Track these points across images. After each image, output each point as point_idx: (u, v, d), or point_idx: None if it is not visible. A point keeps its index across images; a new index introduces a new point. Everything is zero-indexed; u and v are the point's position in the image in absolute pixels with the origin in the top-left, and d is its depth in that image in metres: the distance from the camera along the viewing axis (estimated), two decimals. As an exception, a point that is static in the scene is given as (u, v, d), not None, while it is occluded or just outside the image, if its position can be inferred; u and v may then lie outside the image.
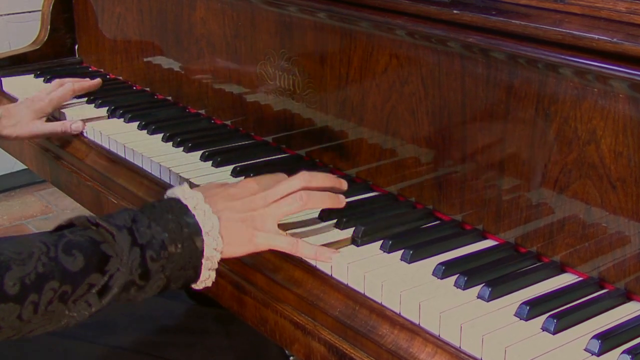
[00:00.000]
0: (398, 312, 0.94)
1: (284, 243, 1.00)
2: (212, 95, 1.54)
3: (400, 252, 1.03)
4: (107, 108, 1.61)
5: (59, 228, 0.92)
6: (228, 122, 1.52)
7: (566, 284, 0.97)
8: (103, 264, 0.87)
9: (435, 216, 1.14)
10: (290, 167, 1.14)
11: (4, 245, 0.84)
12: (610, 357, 0.84)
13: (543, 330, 0.88)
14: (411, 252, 1.01)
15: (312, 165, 1.32)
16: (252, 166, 1.31)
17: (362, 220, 1.10)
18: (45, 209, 3.06)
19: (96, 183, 1.44)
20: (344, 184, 1.09)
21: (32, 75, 1.84)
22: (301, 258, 1.04)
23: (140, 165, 1.38)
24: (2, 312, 0.81)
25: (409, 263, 1.01)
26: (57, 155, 1.57)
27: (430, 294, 0.94)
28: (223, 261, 1.00)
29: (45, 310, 0.84)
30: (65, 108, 1.62)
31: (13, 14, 3.04)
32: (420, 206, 1.16)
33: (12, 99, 1.75)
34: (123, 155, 1.42)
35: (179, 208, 0.95)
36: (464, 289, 0.95)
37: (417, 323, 0.92)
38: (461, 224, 1.11)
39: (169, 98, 1.67)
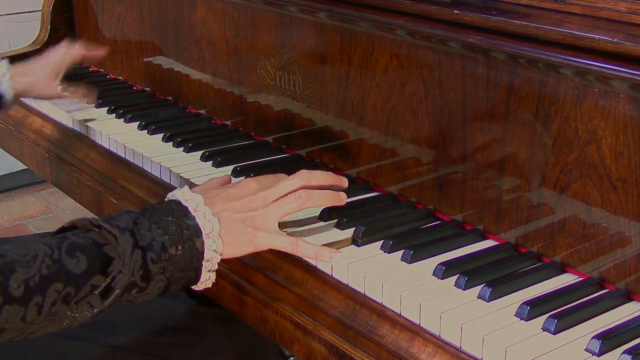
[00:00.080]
0: (398, 312, 0.94)
1: (284, 243, 1.00)
2: (212, 95, 1.54)
3: (401, 252, 1.03)
4: (107, 108, 1.61)
5: (61, 230, 0.92)
6: (228, 122, 1.52)
7: (567, 284, 0.97)
8: (106, 266, 0.88)
9: (435, 216, 1.14)
10: (290, 167, 1.14)
11: (7, 247, 0.84)
12: (610, 357, 0.84)
13: (543, 331, 0.88)
14: (412, 252, 1.01)
15: (313, 165, 1.32)
16: (253, 166, 1.31)
17: (363, 220, 1.10)
18: (46, 209, 3.05)
19: (96, 183, 1.44)
20: (344, 182, 1.09)
21: (32, 75, 1.83)
22: (301, 258, 1.04)
23: (141, 166, 1.38)
24: (6, 314, 0.81)
25: (410, 263, 1.01)
26: (57, 155, 1.57)
27: (431, 294, 0.94)
28: (223, 261, 1.00)
29: (48, 311, 0.84)
30: (64, 109, 1.62)
31: (13, 14, 3.04)
32: (421, 206, 1.16)
33: (12, 99, 1.75)
34: (123, 156, 1.42)
35: (180, 210, 0.95)
36: (464, 289, 0.95)
37: (418, 323, 0.92)
38: (462, 224, 1.11)
39: (169, 98, 1.67)
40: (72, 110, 1.61)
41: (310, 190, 1.03)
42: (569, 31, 0.92)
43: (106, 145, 1.47)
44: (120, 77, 1.81)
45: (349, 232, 1.08)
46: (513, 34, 0.97)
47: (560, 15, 0.95)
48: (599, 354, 0.84)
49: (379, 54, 1.16)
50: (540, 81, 0.97)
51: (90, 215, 1.52)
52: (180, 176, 1.28)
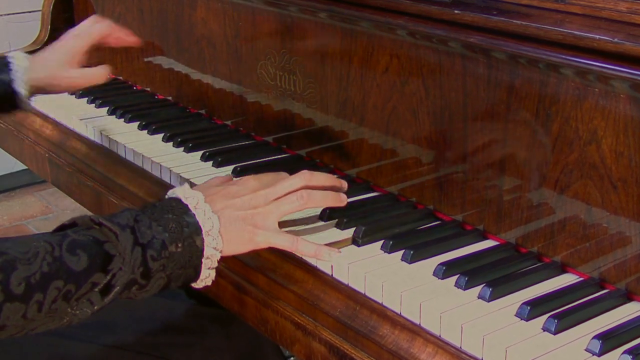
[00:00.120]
0: (399, 312, 0.94)
1: (284, 241, 1.00)
2: (212, 95, 1.54)
3: (401, 252, 1.02)
4: (107, 108, 1.61)
5: (62, 228, 0.92)
6: (228, 122, 1.52)
7: (567, 284, 0.97)
8: (106, 264, 0.88)
9: (436, 216, 1.14)
10: (290, 168, 1.14)
11: (7, 244, 0.84)
12: (611, 358, 0.84)
13: (544, 331, 0.88)
14: (412, 252, 1.01)
15: (313, 165, 1.32)
16: (253, 166, 1.31)
17: (363, 220, 1.10)
18: (46, 210, 3.05)
19: (96, 183, 1.44)
20: (344, 184, 1.09)
21: (33, 75, 1.83)
22: (302, 258, 1.04)
23: (141, 166, 1.38)
24: (7, 312, 0.81)
25: (410, 263, 1.01)
26: (57, 155, 1.57)
27: (431, 294, 0.94)
28: (224, 261, 1.00)
29: (49, 309, 0.84)
30: (65, 109, 1.62)
31: (13, 14, 3.04)
32: (421, 206, 1.16)
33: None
34: (123, 156, 1.42)
35: (180, 208, 0.95)
36: (464, 289, 0.95)
37: (418, 323, 0.92)
38: (462, 224, 1.11)
39: (170, 98, 1.67)
40: (72, 111, 1.61)
41: (311, 190, 1.03)
42: (569, 31, 0.92)
43: (106, 145, 1.47)
44: (121, 77, 1.81)
45: (349, 232, 1.08)
46: (514, 34, 0.97)
47: (560, 15, 0.95)
48: (600, 354, 0.84)
49: (380, 54, 1.16)
50: (540, 81, 0.97)
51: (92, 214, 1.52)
52: (181, 176, 1.28)
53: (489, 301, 0.93)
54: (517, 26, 0.96)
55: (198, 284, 0.97)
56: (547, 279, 0.98)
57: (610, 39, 0.88)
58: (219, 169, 1.32)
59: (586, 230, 0.97)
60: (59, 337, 1.10)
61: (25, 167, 1.74)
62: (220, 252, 0.96)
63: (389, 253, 1.03)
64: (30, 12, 3.02)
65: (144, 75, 1.73)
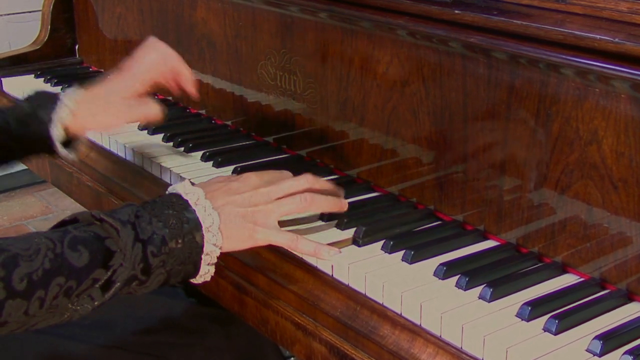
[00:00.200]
0: (399, 312, 0.94)
1: (283, 239, 1.00)
2: (212, 95, 1.54)
3: (402, 252, 1.02)
4: (107, 108, 1.61)
5: (63, 223, 0.92)
6: (229, 123, 1.52)
7: (568, 284, 0.97)
8: (107, 260, 0.88)
9: (436, 217, 1.14)
10: (291, 168, 1.14)
11: (9, 241, 0.84)
12: (612, 358, 0.84)
13: (544, 331, 0.88)
14: (412, 252, 1.01)
15: (313, 165, 1.32)
16: (253, 166, 1.30)
17: (363, 220, 1.10)
18: (46, 210, 3.05)
19: (96, 183, 1.44)
20: (342, 192, 1.10)
21: (33, 75, 1.84)
22: (302, 258, 1.04)
23: (141, 166, 1.38)
24: (9, 308, 0.82)
25: (410, 263, 1.01)
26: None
27: (432, 294, 0.94)
28: (224, 261, 1.00)
29: (50, 305, 0.85)
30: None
31: (13, 14, 3.04)
32: (422, 207, 1.16)
33: (13, 100, 1.75)
34: (123, 156, 1.42)
35: (180, 204, 0.96)
36: (465, 290, 0.95)
37: (419, 324, 0.92)
38: (462, 224, 1.11)
39: (170, 98, 1.67)
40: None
41: (314, 194, 1.03)
42: (570, 31, 0.92)
43: (106, 146, 1.47)
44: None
45: (349, 233, 1.08)
46: (514, 34, 0.97)
47: (561, 15, 0.95)
48: (600, 355, 0.84)
49: (380, 54, 1.16)
50: (541, 81, 0.97)
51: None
52: (181, 176, 1.28)
53: (489, 301, 0.93)
54: (518, 26, 0.96)
55: (197, 280, 0.98)
56: (548, 279, 0.98)
57: (611, 39, 0.88)
58: (219, 169, 1.31)
59: (587, 231, 0.97)
60: (59, 337, 1.10)
61: (25, 167, 1.74)
62: (220, 248, 0.96)
63: (390, 253, 1.03)
64: (30, 12, 3.02)
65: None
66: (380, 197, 1.21)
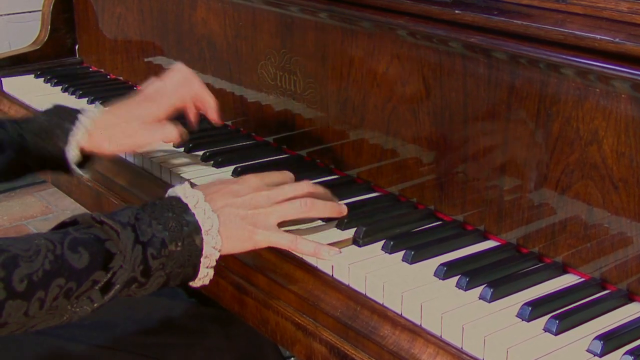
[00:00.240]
0: (399, 312, 0.94)
1: (283, 240, 1.00)
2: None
3: (402, 252, 1.02)
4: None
5: (62, 225, 0.92)
6: (229, 123, 1.52)
7: (568, 284, 0.97)
8: (107, 262, 0.88)
9: (436, 217, 1.14)
10: (291, 168, 1.14)
11: (9, 242, 0.84)
12: (612, 358, 0.84)
13: (545, 331, 0.88)
14: (413, 252, 1.01)
15: (313, 165, 1.32)
16: (253, 167, 1.30)
17: (364, 220, 1.10)
18: (46, 210, 3.05)
19: (96, 183, 1.44)
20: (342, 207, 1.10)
21: (33, 75, 1.84)
22: (302, 258, 1.04)
23: (141, 166, 1.38)
24: (9, 309, 0.82)
25: (411, 264, 1.01)
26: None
27: (432, 294, 0.94)
28: (224, 261, 1.00)
29: (50, 306, 0.85)
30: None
31: (13, 14, 3.04)
32: (422, 207, 1.16)
33: (12, 100, 1.75)
34: (123, 156, 1.42)
35: (180, 207, 0.96)
36: (465, 290, 0.95)
37: (419, 324, 0.92)
38: (463, 224, 1.11)
39: (170, 98, 1.67)
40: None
41: (314, 199, 1.03)
42: (570, 31, 0.92)
43: (106, 146, 1.47)
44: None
45: (350, 233, 1.08)
46: (514, 34, 0.97)
47: (561, 15, 0.95)
48: (601, 355, 0.84)
49: (380, 54, 1.16)
50: (541, 81, 0.97)
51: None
52: (181, 177, 1.28)
53: (490, 302, 0.92)
54: (518, 26, 0.96)
55: (196, 283, 0.98)
56: (548, 280, 0.98)
57: (612, 39, 0.88)
58: (219, 169, 1.31)
59: (587, 231, 0.97)
60: (58, 338, 1.10)
61: (25, 168, 1.74)
62: (219, 251, 0.96)
63: (390, 253, 1.03)
64: (30, 12, 3.02)
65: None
66: (381, 197, 1.21)
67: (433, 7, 1.06)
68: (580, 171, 0.96)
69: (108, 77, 1.84)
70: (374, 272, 0.98)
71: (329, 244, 1.04)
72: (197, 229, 0.95)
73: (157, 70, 1.68)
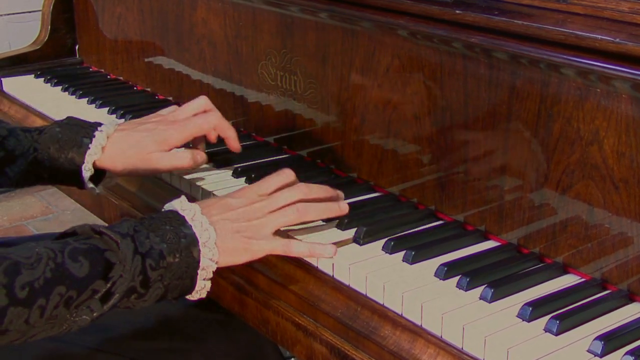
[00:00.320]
0: (400, 313, 0.94)
1: (277, 246, 1.01)
2: (213, 95, 1.54)
3: (402, 253, 1.02)
4: (107, 109, 1.61)
5: (62, 236, 0.93)
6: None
7: (569, 285, 0.97)
8: (107, 271, 0.89)
9: (437, 217, 1.14)
10: (291, 168, 1.14)
11: (10, 249, 0.85)
12: (613, 359, 0.84)
13: (545, 332, 0.87)
14: (413, 253, 1.01)
15: (313, 165, 1.32)
16: (253, 167, 1.30)
17: (364, 221, 1.10)
18: (46, 210, 3.05)
19: (97, 183, 1.43)
20: (341, 195, 1.10)
21: (33, 75, 1.84)
22: (303, 259, 1.04)
23: (141, 166, 1.38)
24: (11, 316, 0.82)
25: (411, 264, 1.01)
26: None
27: (433, 295, 0.94)
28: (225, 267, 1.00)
29: (50, 314, 0.85)
30: (62, 108, 1.61)
31: (13, 14, 3.04)
32: (422, 207, 1.16)
33: (13, 100, 1.75)
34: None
35: (177, 219, 0.97)
36: (466, 290, 0.95)
37: (419, 324, 0.92)
38: (463, 224, 1.11)
39: (170, 98, 1.67)
40: (73, 112, 1.61)
41: (308, 203, 1.04)
42: (571, 31, 0.92)
43: (107, 146, 1.47)
44: (121, 78, 1.81)
45: (350, 233, 1.07)
46: (515, 34, 0.97)
47: (562, 15, 0.95)
48: (601, 355, 0.84)
49: (381, 54, 1.16)
50: (542, 81, 0.97)
51: (90, 216, 1.52)
52: (181, 177, 1.28)
53: (490, 302, 0.92)
54: (519, 26, 0.96)
55: (193, 296, 0.98)
56: (549, 280, 0.98)
57: (612, 39, 0.88)
58: (220, 169, 1.31)
59: (588, 231, 0.97)
60: (56, 342, 1.09)
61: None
62: (216, 263, 0.97)
63: (391, 254, 1.03)
64: (30, 12, 3.02)
65: (145, 76, 1.73)
66: (381, 197, 1.21)
67: (434, 7, 1.06)
68: (581, 171, 0.96)
69: (108, 77, 1.84)
70: (375, 272, 0.98)
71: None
72: (194, 241, 0.95)
73: (158, 70, 1.68)
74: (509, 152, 1.03)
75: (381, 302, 0.96)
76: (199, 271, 0.96)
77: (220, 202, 1.02)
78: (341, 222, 1.09)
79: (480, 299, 0.93)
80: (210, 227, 0.97)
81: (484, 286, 0.94)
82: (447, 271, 0.97)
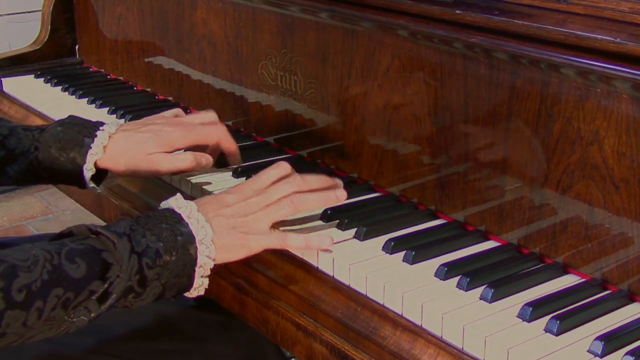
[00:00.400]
0: (400, 313, 0.94)
1: (274, 239, 1.01)
2: (213, 95, 1.54)
3: (403, 253, 1.02)
4: (107, 109, 1.61)
5: (58, 237, 0.93)
6: (229, 123, 1.52)
7: (569, 285, 0.97)
8: (104, 272, 0.89)
9: (437, 217, 1.14)
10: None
11: (6, 252, 0.85)
12: (613, 359, 0.83)
13: (546, 332, 0.87)
14: (413, 253, 1.01)
15: (314, 165, 1.32)
16: (254, 167, 1.30)
17: (364, 221, 1.10)
18: (46, 210, 3.05)
19: (97, 184, 1.43)
20: (339, 183, 1.09)
21: (33, 75, 1.84)
22: (303, 259, 1.04)
23: (141, 166, 1.37)
24: (8, 319, 0.82)
25: (411, 264, 1.00)
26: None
27: (433, 295, 0.94)
28: (225, 264, 1.00)
29: (48, 316, 0.85)
30: (62, 108, 1.61)
31: (13, 14, 3.04)
32: (423, 207, 1.16)
33: (13, 100, 1.75)
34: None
35: (173, 217, 0.97)
36: (466, 290, 0.95)
37: (420, 324, 0.92)
38: (463, 225, 1.11)
39: (170, 98, 1.67)
40: (73, 112, 1.61)
41: (303, 194, 1.03)
42: (571, 31, 0.92)
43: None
44: (121, 78, 1.81)
45: (350, 233, 1.07)
46: (515, 34, 0.97)
47: (562, 15, 0.95)
48: (602, 356, 0.83)
49: (381, 54, 1.16)
50: (542, 81, 0.97)
51: (90, 216, 1.52)
52: (181, 177, 1.28)
53: (490, 302, 0.92)
54: (519, 26, 0.96)
55: (191, 293, 0.98)
56: (549, 280, 0.98)
57: (613, 39, 0.88)
58: (220, 169, 1.31)
59: (588, 231, 0.96)
60: (53, 343, 1.09)
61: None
62: (214, 260, 0.97)
63: (391, 254, 1.03)
64: (30, 12, 3.02)
65: (145, 76, 1.73)
66: (381, 197, 1.21)
67: (434, 7, 1.06)
68: (581, 171, 0.96)
69: (108, 77, 1.84)
70: (375, 272, 0.98)
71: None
72: (191, 239, 0.95)
73: (158, 70, 1.68)
74: (509, 152, 1.03)
75: (381, 302, 0.96)
76: (196, 269, 0.96)
77: (216, 199, 1.02)
78: (341, 222, 1.09)
79: (480, 299, 0.93)
80: (207, 224, 0.97)
81: (484, 286, 0.94)
82: (447, 271, 0.97)
